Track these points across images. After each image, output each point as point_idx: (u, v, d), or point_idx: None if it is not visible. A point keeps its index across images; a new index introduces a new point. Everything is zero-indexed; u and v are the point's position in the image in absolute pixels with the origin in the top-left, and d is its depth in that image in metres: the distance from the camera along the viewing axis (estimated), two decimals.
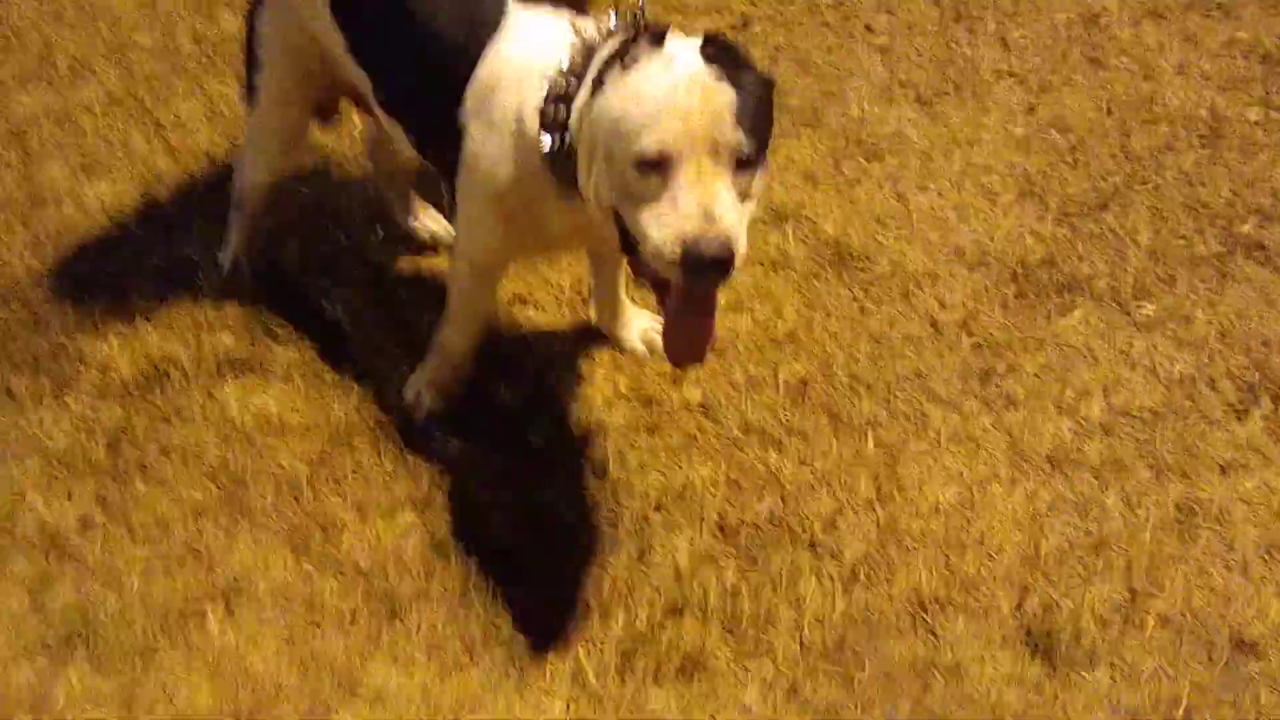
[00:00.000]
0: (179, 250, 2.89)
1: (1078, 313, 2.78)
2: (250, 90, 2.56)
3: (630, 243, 1.91)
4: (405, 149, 2.40)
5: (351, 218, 3.00)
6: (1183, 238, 2.96)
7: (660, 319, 2.70)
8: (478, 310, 2.46)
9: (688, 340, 1.96)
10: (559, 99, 2.00)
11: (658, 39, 1.89)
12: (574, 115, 1.98)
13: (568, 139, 1.98)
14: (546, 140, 2.01)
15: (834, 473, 2.46)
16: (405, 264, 2.89)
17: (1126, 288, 2.82)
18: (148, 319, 2.73)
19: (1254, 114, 3.36)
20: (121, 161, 3.14)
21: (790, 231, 2.97)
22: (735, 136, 1.79)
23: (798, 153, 3.20)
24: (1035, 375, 2.65)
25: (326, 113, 2.66)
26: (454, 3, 2.20)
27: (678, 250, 1.76)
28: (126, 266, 2.85)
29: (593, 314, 2.74)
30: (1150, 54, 3.57)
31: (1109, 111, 3.36)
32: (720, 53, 1.86)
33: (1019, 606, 2.25)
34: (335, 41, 2.33)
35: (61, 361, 2.65)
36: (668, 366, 2.62)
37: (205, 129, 3.24)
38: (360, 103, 2.55)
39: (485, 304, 2.47)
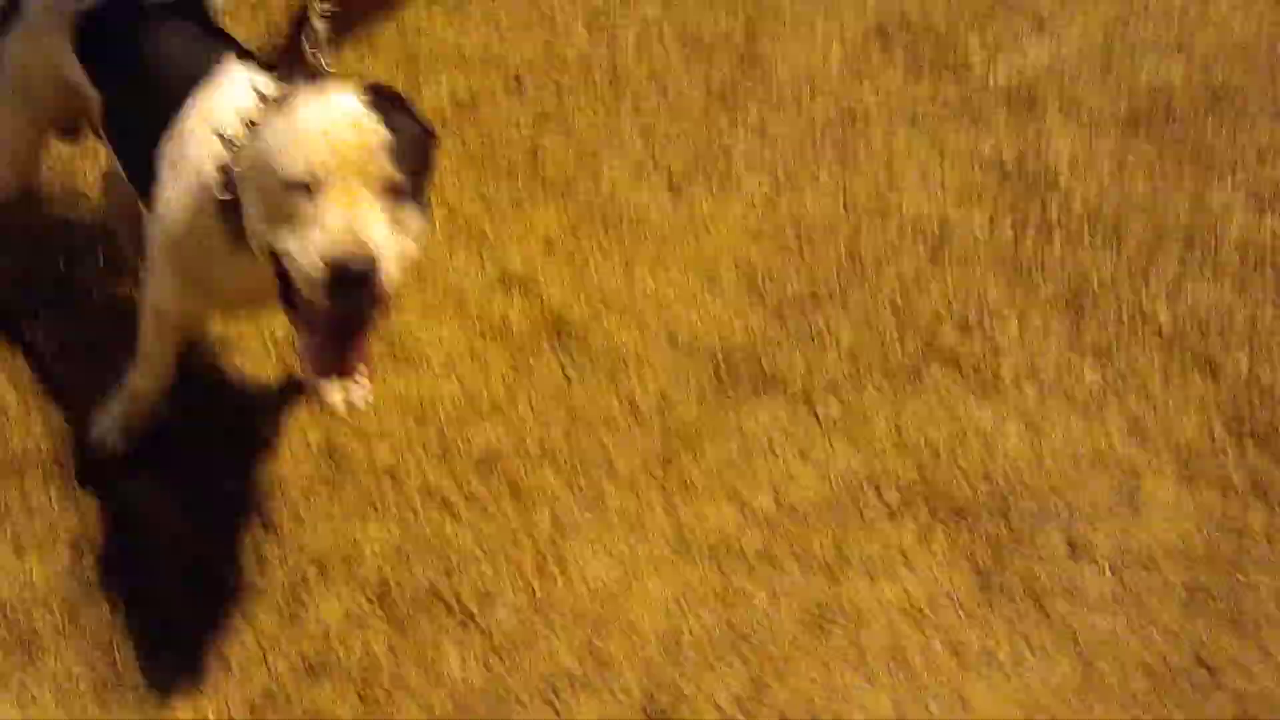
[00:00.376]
0: None
1: (768, 406, 2.91)
2: None
3: (287, 291, 1.94)
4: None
5: (74, 243, 2.99)
6: (883, 342, 3.12)
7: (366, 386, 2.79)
8: (163, 357, 2.49)
9: (326, 358, 1.94)
10: (236, 155, 2.05)
11: (313, 79, 1.98)
12: (240, 160, 2.02)
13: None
14: (221, 191, 2.05)
15: (502, 545, 2.54)
16: (123, 299, 2.89)
17: (818, 387, 2.97)
18: None
19: (979, 226, 3.56)
20: None
21: (515, 299, 3.05)
22: (386, 166, 1.83)
23: (542, 221, 3.30)
24: (715, 464, 2.77)
25: (69, 129, 2.66)
26: (182, 47, 2.29)
27: (322, 269, 1.78)
28: None
29: (297, 367, 2.77)
30: (898, 159, 3.75)
31: (846, 212, 3.53)
32: (380, 99, 1.92)
33: (648, 693, 2.35)
34: (78, 73, 2.39)
35: None
36: (365, 424, 2.69)
37: None
38: (93, 124, 2.57)
39: (169, 352, 2.49)
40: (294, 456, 2.63)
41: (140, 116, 2.28)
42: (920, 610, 2.56)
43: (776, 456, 2.81)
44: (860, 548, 2.66)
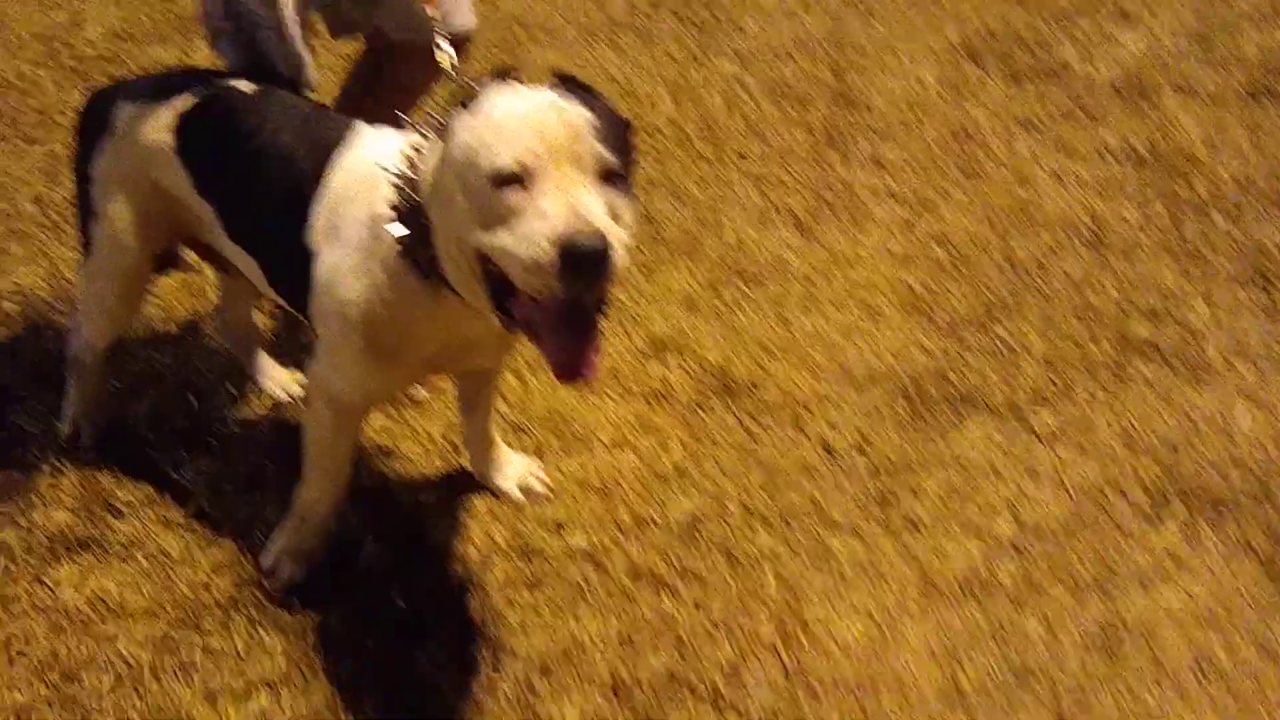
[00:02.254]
0: (12, 422, 2.65)
1: (974, 427, 2.66)
2: (85, 241, 2.37)
3: (499, 296, 1.72)
4: (260, 287, 2.23)
5: (202, 378, 2.79)
6: (1076, 344, 2.87)
7: (534, 461, 2.55)
8: (338, 460, 2.25)
9: (572, 353, 1.69)
10: (407, 186, 1.85)
11: (503, 76, 1.78)
12: (423, 184, 1.82)
13: (422, 223, 1.82)
14: (399, 228, 1.85)
15: (733, 617, 2.27)
16: (261, 426, 2.68)
17: (1023, 398, 2.72)
18: None
19: (1131, 216, 3.33)
20: None
21: (671, 362, 2.83)
22: (597, 148, 1.64)
23: (676, 282, 3.09)
24: (938, 496, 2.50)
25: (166, 260, 2.48)
26: (298, 125, 2.11)
27: (553, 250, 1.56)
28: None
29: (465, 461, 2.55)
30: (1025, 164, 3.55)
31: (989, 223, 3.31)
32: (571, 84, 1.75)
33: None
34: (179, 179, 2.20)
35: None
36: (549, 513, 2.45)
37: (47, 294, 3.02)
38: (204, 249, 2.39)
39: (346, 452, 2.25)
40: (484, 559, 2.37)
41: (269, 205, 2.09)
42: (1211, 612, 2.26)
43: (1002, 477, 2.54)
44: (1125, 558, 2.37)
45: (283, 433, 2.65)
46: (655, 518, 2.46)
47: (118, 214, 2.29)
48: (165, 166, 2.20)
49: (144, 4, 4.44)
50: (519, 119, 1.66)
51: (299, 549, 2.32)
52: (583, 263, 1.56)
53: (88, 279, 2.43)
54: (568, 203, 1.59)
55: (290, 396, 2.75)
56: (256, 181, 2.11)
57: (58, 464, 2.56)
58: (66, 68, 3.99)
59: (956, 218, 3.31)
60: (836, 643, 2.23)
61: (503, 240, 1.63)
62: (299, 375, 2.75)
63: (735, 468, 2.56)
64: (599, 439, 2.64)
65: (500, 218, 1.63)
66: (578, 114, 1.66)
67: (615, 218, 1.65)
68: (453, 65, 2.08)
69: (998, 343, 2.88)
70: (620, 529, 2.44)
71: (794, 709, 2.12)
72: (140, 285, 2.45)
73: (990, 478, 2.54)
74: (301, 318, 2.14)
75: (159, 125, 2.20)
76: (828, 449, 2.61)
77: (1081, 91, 3.89)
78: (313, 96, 2.34)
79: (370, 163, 1.94)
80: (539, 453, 2.60)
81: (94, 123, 2.29)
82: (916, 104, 3.81)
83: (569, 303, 1.63)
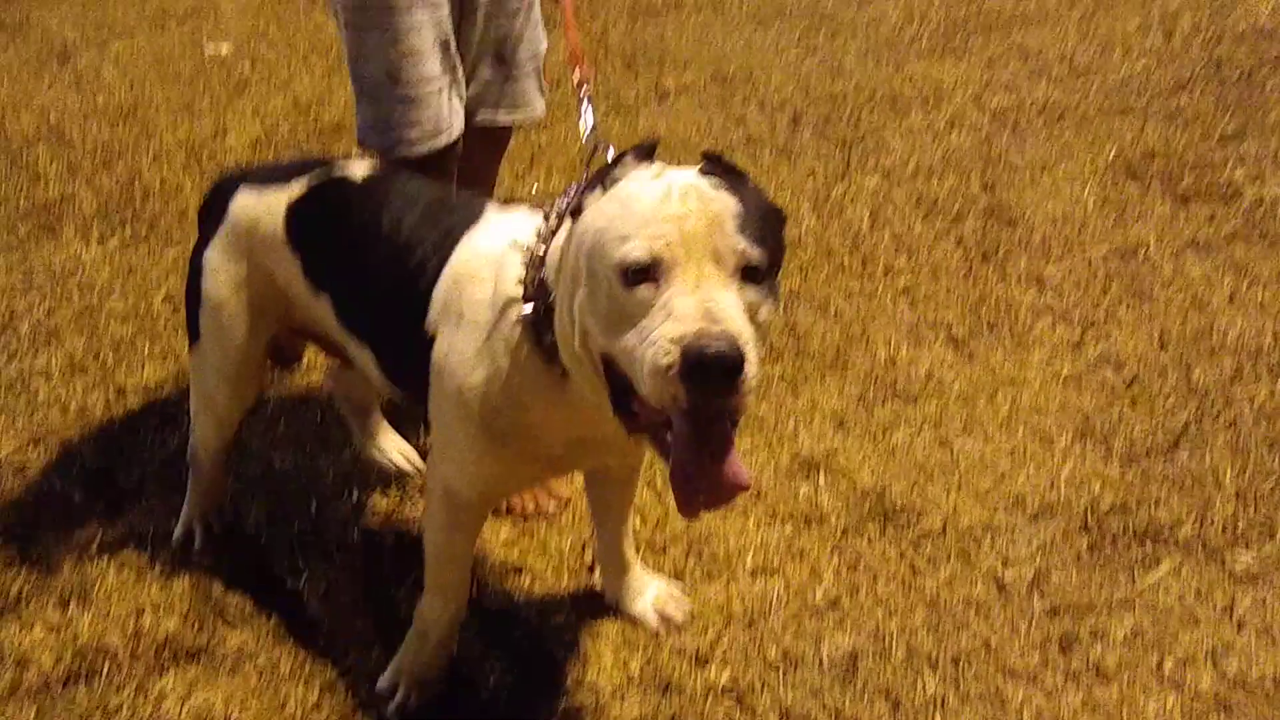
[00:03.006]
0: (130, 523, 2.54)
1: (1165, 566, 2.38)
2: (193, 330, 2.26)
3: (620, 395, 1.55)
4: (373, 378, 2.10)
5: (324, 483, 2.66)
6: (1271, 477, 2.58)
7: (673, 584, 2.33)
8: (456, 562, 2.08)
9: (700, 478, 1.50)
10: (537, 265, 1.72)
11: (645, 153, 1.62)
12: (550, 262, 1.69)
13: (550, 299, 1.68)
14: (528, 307, 1.71)
15: None
16: (385, 536, 2.52)
17: (1217, 535, 2.44)
18: (83, 602, 2.34)
19: None
20: (74, 428, 2.82)
21: (822, 483, 2.61)
22: (739, 242, 1.46)
23: (824, 399, 2.88)
24: (1125, 642, 2.22)
25: (286, 355, 2.36)
26: (422, 208, 1.99)
27: (675, 353, 1.39)
28: (67, 542, 2.48)
29: (598, 580, 2.35)
30: (1197, 285, 3.31)
31: (1163, 346, 3.06)
32: (719, 167, 1.57)
33: None
34: (289, 266, 2.10)
35: None
36: (688, 643, 2.23)
37: (173, 394, 2.94)
38: (318, 338, 2.27)
39: (464, 554, 2.09)
40: (617, 691, 2.16)
41: (385, 290, 1.97)
42: None
43: (1199, 623, 2.25)
44: None
45: (407, 546, 2.48)
46: (807, 654, 2.22)
47: (225, 301, 2.19)
48: (275, 253, 2.12)
49: (284, 117, 4.48)
50: (655, 204, 1.49)
51: (418, 672, 2.14)
52: (710, 369, 1.38)
53: (195, 372, 2.33)
54: (700, 301, 1.42)
55: (396, 468, 2.64)
56: (372, 266, 2.00)
57: (170, 568, 2.42)
58: (207, 173, 4.00)
59: (1127, 340, 3.06)
60: None
61: (624, 342, 1.47)
62: (410, 450, 2.64)
63: (897, 602, 2.32)
64: (742, 564, 2.43)
65: (626, 313, 1.47)
66: (722, 201, 1.49)
67: (754, 318, 1.47)
68: (594, 138, 1.95)
69: (1184, 473, 2.60)
70: (768, 665, 2.20)
71: None
72: (249, 378, 2.32)
73: (1185, 623, 2.25)
74: (416, 407, 2.00)
75: (271, 211, 2.12)
76: (1000, 585, 2.35)
77: (1254, 212, 3.64)
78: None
79: (498, 242, 1.82)
80: (677, 575, 2.39)
81: (212, 210, 2.22)
82: (1075, 222, 3.60)
83: (698, 415, 1.46)
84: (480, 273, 1.83)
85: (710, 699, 2.14)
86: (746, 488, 1.52)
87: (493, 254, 1.83)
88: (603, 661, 2.22)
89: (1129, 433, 2.74)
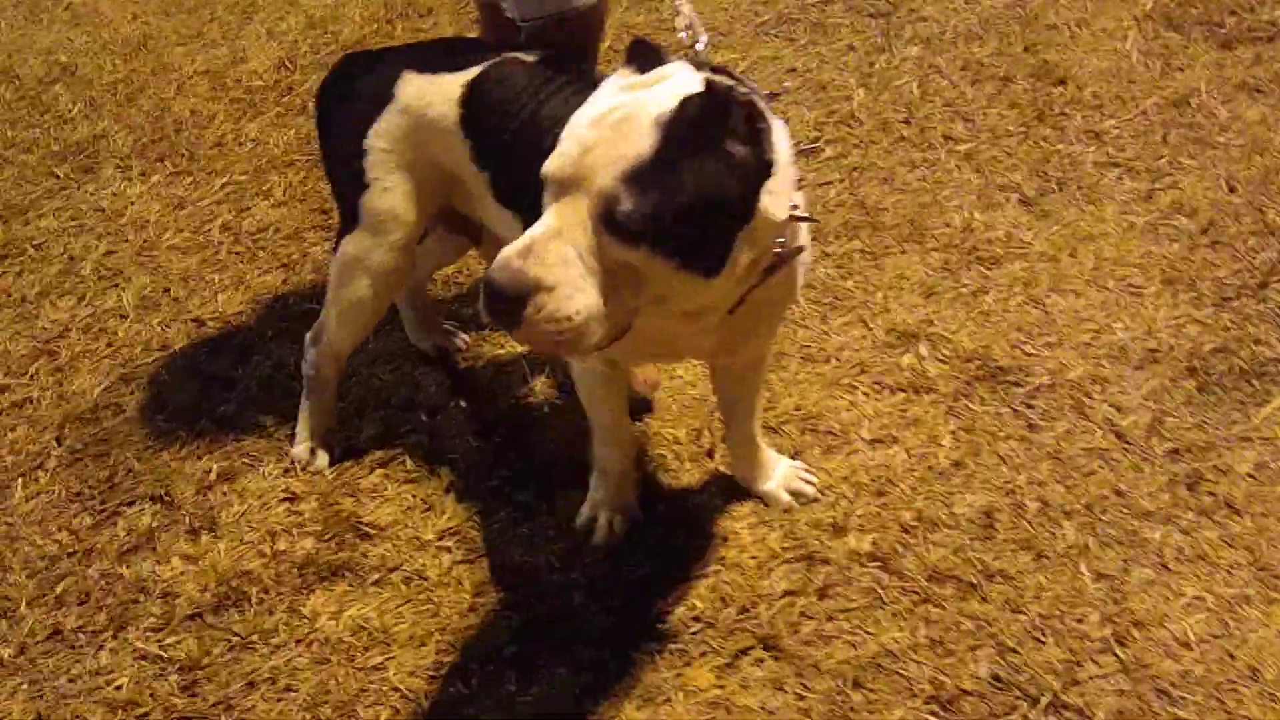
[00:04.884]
0: (240, 450, 2.53)
1: (1277, 400, 2.41)
2: (352, 215, 2.27)
3: None
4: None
5: (427, 394, 2.66)
6: None
7: (797, 463, 2.36)
8: (609, 414, 2.18)
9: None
10: None
11: (633, 55, 1.64)
12: None
13: None
14: None
15: (1055, 616, 2.05)
16: (500, 438, 2.54)
17: None
18: (214, 531, 2.35)
19: None
20: (160, 364, 2.80)
21: (923, 351, 2.62)
22: (618, 190, 1.45)
23: (909, 269, 2.88)
24: (1250, 476, 2.26)
25: (471, 230, 2.39)
26: (570, 93, 2.00)
27: (486, 281, 1.47)
28: (183, 474, 2.48)
29: (718, 462, 2.38)
30: (1255, 128, 3.30)
31: (1231, 190, 3.06)
32: (707, 108, 1.51)
33: None
34: (459, 149, 2.14)
35: (116, 591, 2.26)
36: (823, 516, 2.28)
37: (251, 320, 2.92)
38: (458, 218, 2.34)
39: (613, 411, 2.18)
40: (761, 566, 2.19)
41: (536, 167, 1.97)
42: None
43: None
44: None
45: (522, 443, 2.50)
46: (942, 516, 2.25)
47: (396, 184, 2.21)
48: (446, 137, 2.15)
49: (298, 35, 4.38)
50: (585, 120, 1.52)
51: (612, 500, 2.25)
52: (495, 298, 1.45)
53: (344, 266, 2.31)
54: (536, 231, 1.46)
55: (456, 346, 2.74)
56: (528, 145, 1.99)
57: (290, 491, 2.43)
58: (237, 100, 3.92)
59: (1196, 187, 3.07)
60: (1176, 639, 2.00)
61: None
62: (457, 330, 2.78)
63: (1020, 459, 2.35)
64: (859, 436, 2.45)
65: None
66: (635, 143, 1.47)
67: (619, 279, 1.48)
68: (689, 38, 1.92)
69: (1276, 310, 2.63)
70: (905, 530, 2.24)
71: (1145, 711, 1.89)
72: (407, 266, 2.34)
73: None
74: None
75: (446, 97, 2.14)
76: (1118, 434, 2.38)
77: None
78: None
79: None
80: (797, 454, 2.42)
81: (356, 92, 2.22)
82: (1123, 75, 3.57)
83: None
84: None
85: (856, 565, 2.18)
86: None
87: None
88: (742, 540, 2.25)
89: (1215, 276, 2.76)
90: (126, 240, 3.30)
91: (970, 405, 2.49)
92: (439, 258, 2.69)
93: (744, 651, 2.05)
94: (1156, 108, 3.42)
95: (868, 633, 2.06)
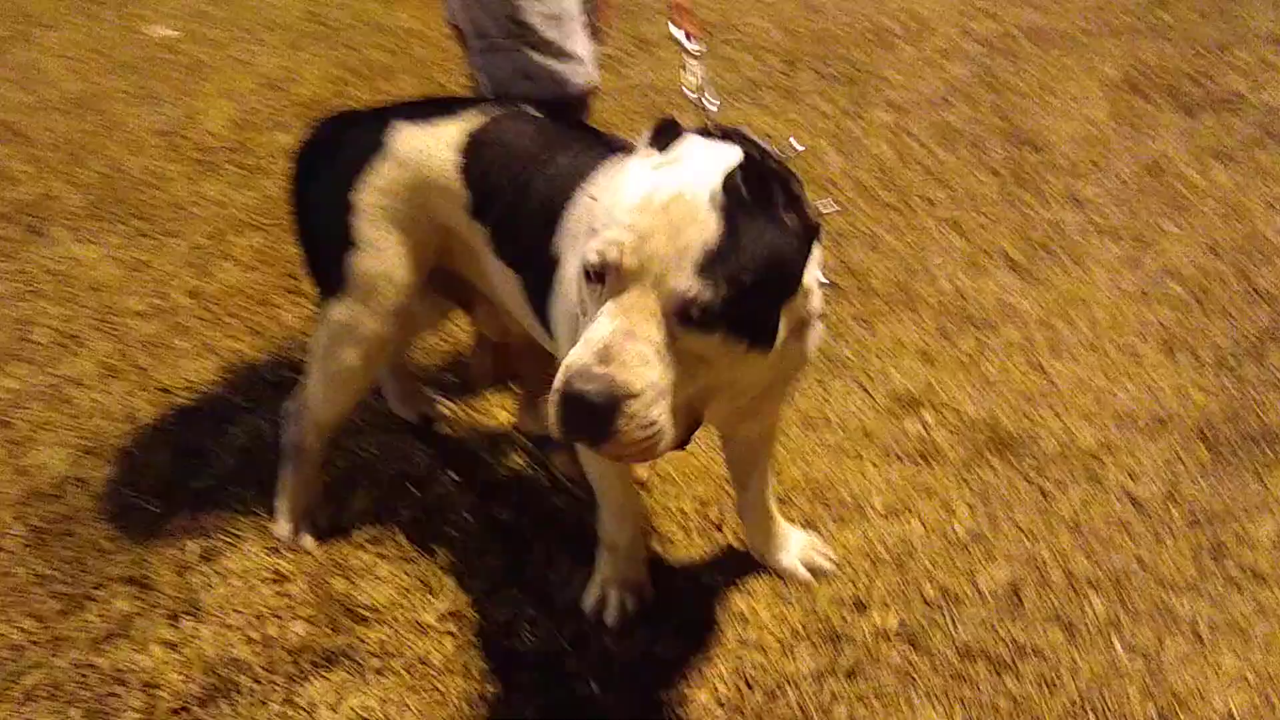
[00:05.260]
0: (219, 527, 2.38)
1: None
2: (337, 279, 2.12)
3: None
4: (514, 309, 2.09)
5: (415, 466, 2.53)
6: None
7: (812, 534, 2.28)
8: (618, 492, 2.08)
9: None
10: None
11: (659, 134, 1.55)
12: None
13: None
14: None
15: (1094, 694, 1.98)
16: (499, 512, 2.42)
17: None
18: (194, 617, 2.19)
19: None
20: (127, 436, 2.64)
21: (928, 418, 2.57)
22: (688, 283, 1.37)
23: (903, 334, 2.84)
24: (1274, 544, 2.23)
25: (460, 292, 2.27)
26: (575, 145, 1.98)
27: (560, 380, 1.35)
28: (159, 554, 2.32)
29: (729, 536, 2.29)
30: (1230, 194, 3.34)
31: (1217, 255, 3.09)
32: (751, 181, 1.45)
33: None
34: (456, 200, 2.03)
35: (91, 684, 2.09)
36: (843, 591, 2.19)
37: (223, 389, 2.78)
38: (451, 280, 2.21)
39: (622, 484, 2.08)
40: (784, 646, 2.10)
41: (536, 221, 1.93)
42: None
43: None
44: None
45: (520, 518, 2.39)
46: (967, 590, 2.18)
47: (388, 243, 2.08)
48: (445, 188, 2.04)
49: (254, 95, 4.27)
50: (631, 206, 1.42)
51: (621, 578, 2.14)
52: (574, 411, 1.35)
53: (330, 332, 2.17)
54: (610, 332, 1.36)
55: (438, 413, 2.64)
56: (530, 200, 1.96)
57: (279, 569, 2.29)
58: (193, 160, 3.79)
59: (1180, 252, 3.08)
60: (1220, 715, 1.94)
61: (569, 331, 1.50)
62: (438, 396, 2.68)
63: (1039, 530, 2.29)
64: (872, 507, 2.38)
65: (584, 304, 1.46)
66: (698, 228, 1.39)
67: (694, 362, 1.40)
68: (701, 94, 1.87)
69: (1278, 374, 2.62)
70: (929, 605, 2.16)
71: None
72: (400, 332, 2.20)
73: None
74: (555, 348, 1.99)
75: (444, 143, 2.04)
76: (1135, 502, 2.34)
77: (1264, 119, 3.69)
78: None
79: (609, 180, 1.77)
80: (809, 524, 2.34)
81: (359, 145, 2.09)
82: (1096, 141, 3.61)
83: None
84: (585, 213, 1.81)
85: (883, 644, 2.09)
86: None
87: (596, 190, 1.81)
88: (761, 618, 2.16)
89: (1212, 341, 2.76)
90: (83, 305, 3.13)
91: (982, 475, 2.43)
92: (421, 321, 2.56)
93: None
94: (1132, 173, 3.45)
95: (901, 715, 1.97)
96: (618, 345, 1.34)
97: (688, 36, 2.03)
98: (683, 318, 1.38)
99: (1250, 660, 2.02)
